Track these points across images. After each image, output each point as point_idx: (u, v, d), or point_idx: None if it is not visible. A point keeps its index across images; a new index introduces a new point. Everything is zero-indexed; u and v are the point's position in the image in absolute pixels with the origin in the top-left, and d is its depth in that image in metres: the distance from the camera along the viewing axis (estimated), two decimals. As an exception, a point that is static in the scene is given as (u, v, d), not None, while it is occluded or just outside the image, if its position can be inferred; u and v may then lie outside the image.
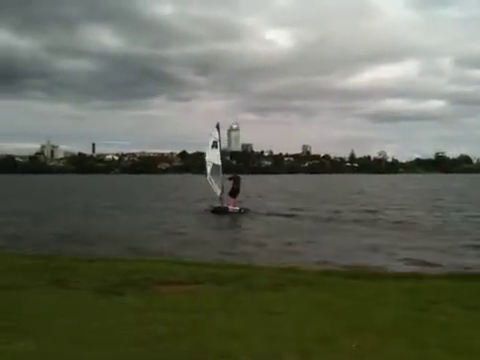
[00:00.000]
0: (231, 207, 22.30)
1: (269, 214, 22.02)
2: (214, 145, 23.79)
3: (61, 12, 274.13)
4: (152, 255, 10.56)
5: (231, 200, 22.78)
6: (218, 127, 24.12)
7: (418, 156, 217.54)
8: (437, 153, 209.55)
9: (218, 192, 23.23)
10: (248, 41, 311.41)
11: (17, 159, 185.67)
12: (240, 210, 22.12)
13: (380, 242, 13.30)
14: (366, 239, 13.98)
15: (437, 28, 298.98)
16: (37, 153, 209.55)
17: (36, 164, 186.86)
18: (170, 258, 9.57)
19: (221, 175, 23.46)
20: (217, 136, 23.84)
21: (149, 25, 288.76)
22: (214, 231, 17.16)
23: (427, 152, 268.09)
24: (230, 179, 23.47)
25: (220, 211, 22.16)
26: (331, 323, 4.44)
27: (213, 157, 23.77)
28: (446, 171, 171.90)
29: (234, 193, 22.96)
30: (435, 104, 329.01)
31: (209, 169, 23.60)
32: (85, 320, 4.45)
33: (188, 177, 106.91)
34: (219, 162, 23.56)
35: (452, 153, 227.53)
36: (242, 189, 23.57)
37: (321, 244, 13.20)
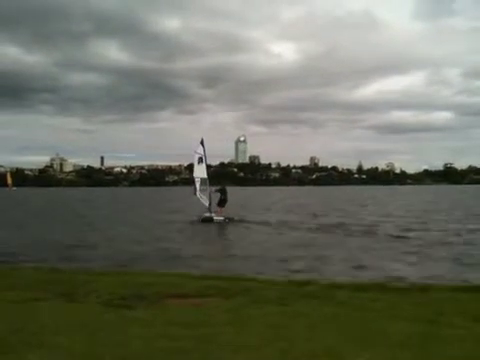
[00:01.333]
0: (216, 217, 23.99)
1: (259, 223, 22.97)
2: (200, 160, 25.48)
3: (70, 28, 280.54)
4: (142, 269, 10.53)
5: (219, 209, 24.60)
6: (202, 143, 25.45)
7: (426, 167, 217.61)
8: (446, 164, 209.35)
9: (206, 203, 24.97)
10: (255, 54, 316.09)
11: (27, 172, 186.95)
12: (225, 219, 23.74)
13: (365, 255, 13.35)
14: (355, 251, 14.10)
15: (444, 39, 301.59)
16: (46, 166, 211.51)
17: (45, 177, 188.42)
18: (178, 271, 9.56)
19: (209, 187, 25.21)
20: (201, 151, 25.39)
21: (156, 39, 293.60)
22: (200, 245, 17.02)
23: (435, 163, 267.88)
24: (217, 191, 25.22)
25: (208, 220, 23.78)
26: (340, 337, 4.43)
27: (200, 172, 25.48)
28: (456, 182, 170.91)
29: (222, 203, 24.76)
30: (443, 115, 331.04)
31: (198, 185, 25.29)
32: (94, 334, 4.48)
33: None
34: (205, 175, 25.24)
35: (461, 164, 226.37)
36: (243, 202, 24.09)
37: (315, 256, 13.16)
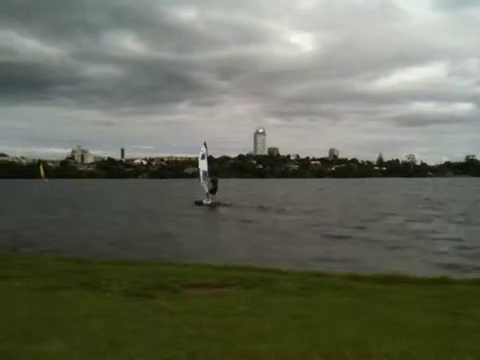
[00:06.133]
0: (205, 201, 30.80)
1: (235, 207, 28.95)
2: (203, 157, 33.32)
3: (87, 19, 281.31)
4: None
5: (211, 195, 31.17)
6: (205, 144, 33.62)
7: (447, 159, 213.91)
8: (467, 156, 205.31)
9: (206, 190, 31.71)
10: (272, 45, 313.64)
11: (49, 164, 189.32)
12: (211, 204, 30.28)
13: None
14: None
15: (464, 29, 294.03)
16: (68, 158, 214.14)
17: (66, 169, 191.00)
18: (198, 261, 9.65)
19: (208, 178, 32.35)
20: (205, 150, 33.41)
21: (173, 30, 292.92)
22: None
23: (457, 155, 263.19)
24: (210, 181, 31.61)
25: (199, 203, 30.68)
26: (361, 327, 4.41)
27: (202, 166, 33.15)
28: (479, 174, 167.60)
29: (213, 191, 31.27)
30: (464, 106, 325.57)
31: (201, 175, 32.76)
32: (117, 322, 4.55)
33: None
34: (206, 169, 32.80)
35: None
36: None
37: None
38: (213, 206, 29.89)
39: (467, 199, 38.46)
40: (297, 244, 14.29)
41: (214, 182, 31.51)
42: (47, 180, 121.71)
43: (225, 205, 30.30)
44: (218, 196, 31.64)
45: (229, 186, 60.61)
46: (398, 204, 32.37)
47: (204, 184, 31.99)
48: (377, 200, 37.90)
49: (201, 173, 32.81)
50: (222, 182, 33.32)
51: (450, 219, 21.75)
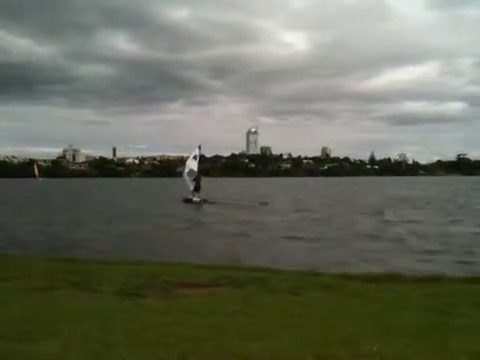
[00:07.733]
0: (194, 198, 32.74)
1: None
2: (194, 158, 34.97)
3: (80, 19, 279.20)
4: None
5: (195, 193, 33.21)
6: (199, 147, 35.64)
7: (439, 158, 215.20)
8: (459, 155, 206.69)
9: (191, 187, 33.61)
10: (265, 44, 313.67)
11: (40, 163, 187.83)
12: (199, 201, 32.40)
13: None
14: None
15: (457, 29, 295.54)
16: (59, 157, 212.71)
17: (58, 168, 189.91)
18: (189, 261, 9.62)
19: (193, 175, 33.86)
20: (198, 152, 35.14)
21: (165, 29, 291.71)
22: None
23: (448, 154, 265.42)
24: (193, 179, 33.61)
25: (188, 201, 32.57)
26: (353, 326, 4.43)
27: (192, 165, 34.63)
28: (469, 173, 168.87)
29: (196, 189, 33.36)
30: (455, 106, 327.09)
31: (186, 170, 34.56)
32: (109, 322, 4.52)
33: (206, 180, 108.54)
34: (195, 169, 34.14)
35: (474, 155, 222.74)
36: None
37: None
38: (201, 203, 31.95)
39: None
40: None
41: (197, 181, 33.54)
42: (42, 179, 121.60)
43: (209, 203, 32.26)
44: (201, 194, 33.58)
45: (210, 186, 61.37)
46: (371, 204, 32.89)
47: (188, 180, 33.98)
48: (352, 199, 38.66)
49: (187, 169, 34.64)
50: (215, 181, 35.15)
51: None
